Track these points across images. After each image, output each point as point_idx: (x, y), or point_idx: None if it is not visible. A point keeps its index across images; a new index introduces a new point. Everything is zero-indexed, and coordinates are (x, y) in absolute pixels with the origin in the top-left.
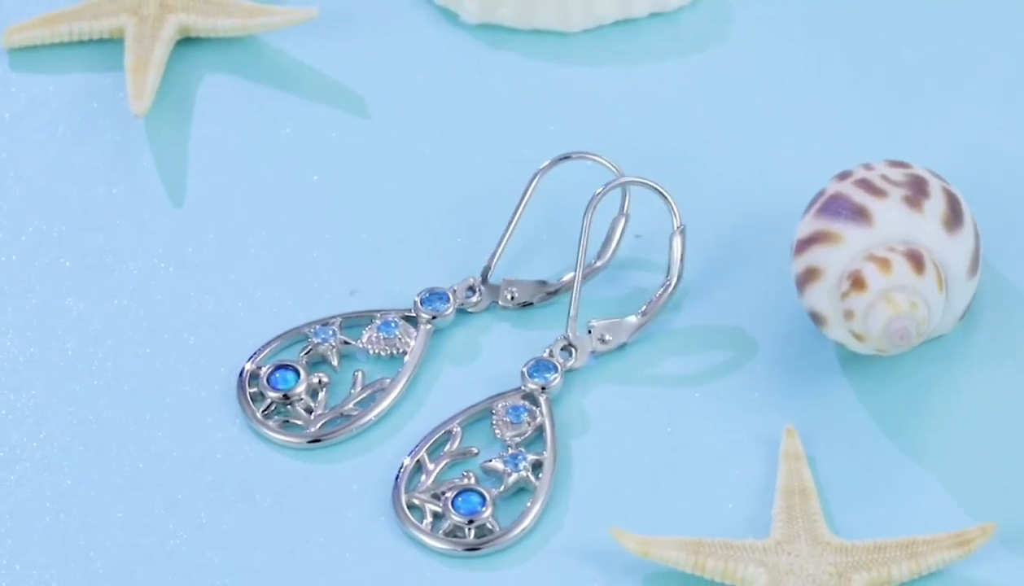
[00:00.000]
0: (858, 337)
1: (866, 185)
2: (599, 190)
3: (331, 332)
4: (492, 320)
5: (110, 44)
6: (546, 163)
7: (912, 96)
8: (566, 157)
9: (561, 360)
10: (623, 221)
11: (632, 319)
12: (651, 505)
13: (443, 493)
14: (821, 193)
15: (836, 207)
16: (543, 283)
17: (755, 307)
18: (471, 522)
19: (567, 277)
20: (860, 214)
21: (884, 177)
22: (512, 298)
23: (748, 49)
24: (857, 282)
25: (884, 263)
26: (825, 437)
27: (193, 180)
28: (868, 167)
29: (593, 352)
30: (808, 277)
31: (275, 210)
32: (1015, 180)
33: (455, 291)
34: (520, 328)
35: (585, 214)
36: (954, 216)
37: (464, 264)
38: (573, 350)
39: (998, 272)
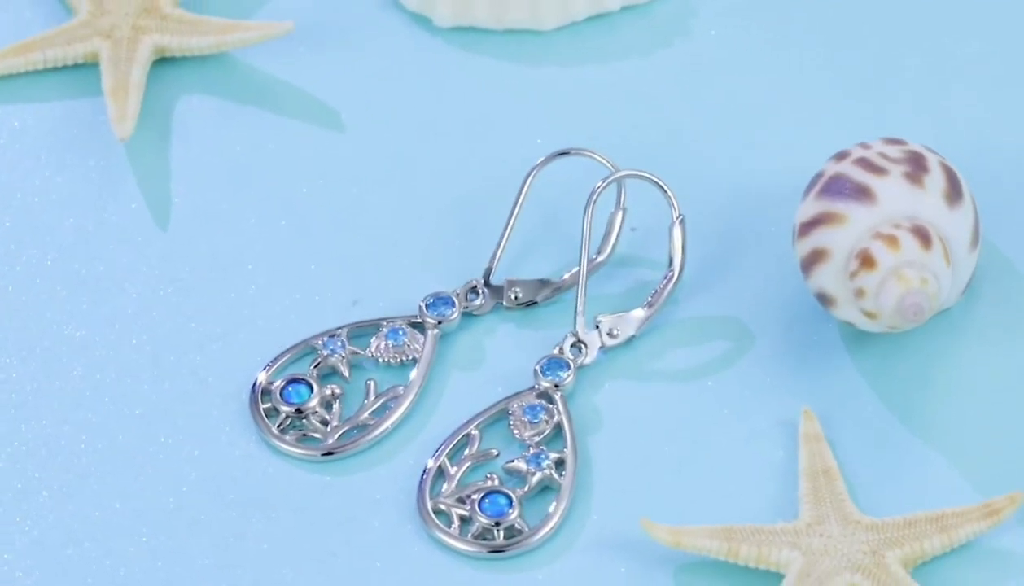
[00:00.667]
0: (870, 315)
1: (866, 163)
2: (599, 184)
3: (339, 343)
4: (497, 321)
5: (86, 69)
6: (541, 159)
7: (889, 75)
8: (564, 153)
9: (571, 356)
10: (621, 215)
11: (639, 312)
12: (674, 496)
13: (468, 496)
14: (820, 174)
15: (838, 187)
16: (547, 281)
17: (755, 293)
18: (498, 524)
19: (568, 275)
20: (863, 193)
21: (883, 155)
22: (516, 298)
23: (721, 38)
24: (866, 261)
25: (892, 240)
26: (837, 418)
27: (182, 200)
28: (865, 146)
29: (602, 347)
30: (814, 259)
31: (267, 226)
32: (1000, 155)
33: (458, 294)
34: (525, 328)
35: (586, 210)
36: (954, 190)
37: (460, 267)
38: (583, 346)
39: (992, 244)
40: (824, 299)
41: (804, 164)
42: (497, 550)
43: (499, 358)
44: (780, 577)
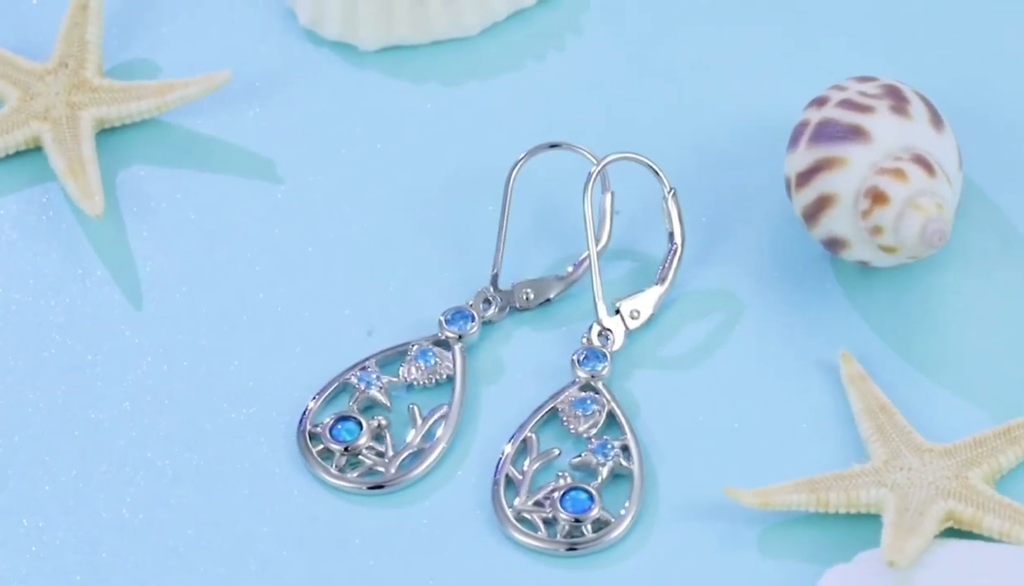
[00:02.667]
0: (888, 250)
1: (850, 104)
2: (593, 170)
3: (373, 375)
4: (513, 325)
5: (29, 155)
6: (523, 155)
7: (821, 17)
8: (556, 145)
9: (600, 344)
10: (611, 198)
11: (655, 288)
12: (735, 462)
13: (547, 498)
14: (803, 124)
15: (830, 132)
16: (556, 277)
17: (751, 252)
18: (579, 520)
19: (571, 266)
20: (856, 132)
21: (862, 93)
22: (528, 299)
23: (644, 10)
24: (878, 197)
25: (898, 173)
26: (864, 358)
27: (159, 268)
28: (840, 88)
29: (626, 330)
30: (820, 205)
31: (253, 277)
32: (947, 79)
33: (472, 305)
34: (540, 328)
35: (584, 197)
36: (935, 116)
37: (458, 277)
38: (609, 333)
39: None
40: (834, 244)
41: (763, 117)
42: (589, 544)
43: (526, 361)
44: (867, 519)
